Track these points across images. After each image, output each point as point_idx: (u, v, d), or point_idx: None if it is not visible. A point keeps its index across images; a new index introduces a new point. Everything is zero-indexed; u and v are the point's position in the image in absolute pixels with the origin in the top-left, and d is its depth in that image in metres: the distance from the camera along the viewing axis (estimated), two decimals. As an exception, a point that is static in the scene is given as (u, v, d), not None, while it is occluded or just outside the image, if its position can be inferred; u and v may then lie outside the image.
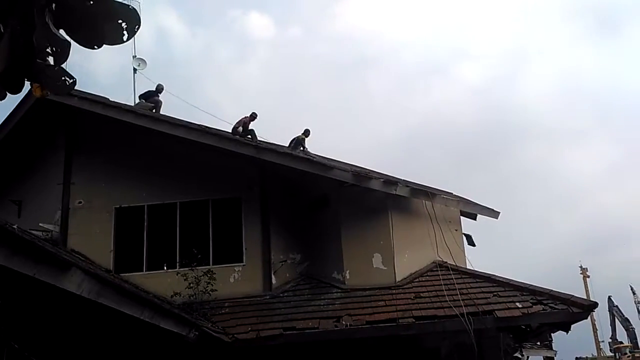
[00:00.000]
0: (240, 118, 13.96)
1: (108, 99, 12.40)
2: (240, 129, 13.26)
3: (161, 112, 14.32)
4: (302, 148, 13.23)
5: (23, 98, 11.56)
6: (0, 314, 2.71)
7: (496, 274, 10.94)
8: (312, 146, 14.27)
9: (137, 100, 14.65)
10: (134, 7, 2.22)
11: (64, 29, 2.16)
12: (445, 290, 10.08)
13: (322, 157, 13.42)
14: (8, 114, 11.64)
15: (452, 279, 10.60)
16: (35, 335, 5.92)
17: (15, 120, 11.74)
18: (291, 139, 13.66)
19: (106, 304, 6.42)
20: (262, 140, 13.65)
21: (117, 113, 11.94)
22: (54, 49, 2.24)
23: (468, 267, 11.86)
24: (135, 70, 15.92)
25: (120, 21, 2.22)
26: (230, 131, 13.00)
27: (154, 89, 14.78)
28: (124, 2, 2.21)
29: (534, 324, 9.70)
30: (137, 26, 2.25)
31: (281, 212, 11.95)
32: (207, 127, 12.65)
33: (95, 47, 2.24)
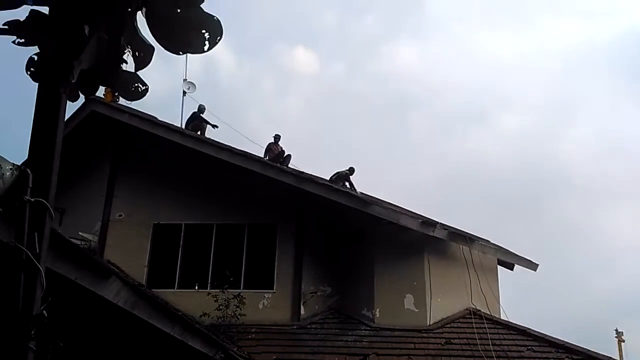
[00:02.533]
0: (268, 144, 14.29)
1: (157, 118, 12.72)
2: (268, 156, 13.54)
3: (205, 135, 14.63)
4: (343, 184, 13.28)
5: (78, 108, 11.95)
6: (49, 313, 2.76)
7: (531, 327, 10.62)
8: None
9: (184, 124, 14.98)
10: (219, 18, 2.28)
11: (152, 34, 2.23)
12: (478, 339, 9.81)
13: (360, 193, 13.41)
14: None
15: (485, 328, 10.33)
16: (74, 337, 5.98)
17: (68, 130, 12.08)
18: (333, 173, 13.75)
19: (139, 316, 6.44)
20: (296, 169, 13.79)
21: (165, 132, 12.22)
22: (137, 53, 2.32)
23: (502, 318, 11.54)
24: (184, 92, 16.36)
25: (203, 31, 2.29)
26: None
27: (197, 110, 15.15)
28: (209, 13, 2.28)
29: (568, 384, 9.32)
30: (219, 37, 2.32)
31: (316, 243, 11.92)
32: (249, 153, 12.83)
33: (180, 52, 2.31)
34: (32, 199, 2.86)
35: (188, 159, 12.31)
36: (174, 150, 12.22)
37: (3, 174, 2.86)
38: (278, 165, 12.82)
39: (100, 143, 12.85)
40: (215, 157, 11.98)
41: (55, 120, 2.95)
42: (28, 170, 2.90)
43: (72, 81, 2.36)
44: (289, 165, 13.79)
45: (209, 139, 13.45)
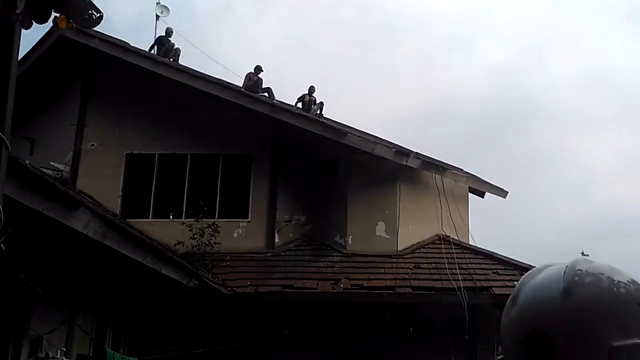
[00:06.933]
0: (247, 73, 13.99)
1: (128, 44, 12.37)
2: (251, 83, 13.33)
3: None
4: (320, 112, 13.27)
5: (45, 34, 11.57)
6: (9, 244, 2.78)
7: (497, 252, 11.01)
8: (328, 112, 14.29)
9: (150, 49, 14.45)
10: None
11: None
12: (446, 263, 10.16)
13: (335, 121, 13.41)
14: (29, 48, 11.63)
15: (453, 253, 10.66)
16: (40, 269, 6.07)
17: (36, 56, 11.75)
18: (297, 97, 13.78)
19: (111, 246, 6.54)
20: (277, 100, 13.66)
21: (137, 58, 11.93)
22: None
23: (470, 243, 11.93)
24: (157, 17, 15.79)
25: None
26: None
27: (164, 34, 14.61)
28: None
29: (530, 305, 9.77)
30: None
31: (290, 172, 12.00)
32: (224, 81, 12.63)
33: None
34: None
35: (161, 87, 12.10)
36: (147, 78, 11.99)
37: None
38: (253, 94, 12.68)
39: (70, 70, 12.53)
40: (189, 85, 11.79)
41: (9, 48, 2.86)
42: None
43: (18, 11, 2.29)
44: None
45: (183, 66, 13.15)
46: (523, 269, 10.19)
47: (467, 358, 9.95)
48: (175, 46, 14.25)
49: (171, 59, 13.88)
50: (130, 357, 7.86)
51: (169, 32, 14.54)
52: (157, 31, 15.53)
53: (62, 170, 11.04)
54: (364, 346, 10.01)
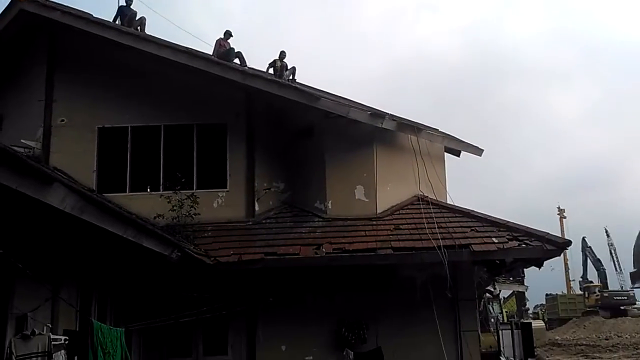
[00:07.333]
0: (217, 40, 13.71)
1: (92, 15, 12.00)
2: (221, 51, 13.11)
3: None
4: (292, 77, 13.14)
5: (4, 9, 11.20)
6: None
7: (475, 210, 11.17)
8: (300, 77, 14.17)
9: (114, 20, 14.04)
10: None
11: None
12: (425, 223, 10.28)
13: (309, 86, 13.31)
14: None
15: (431, 212, 10.79)
16: (21, 247, 5.99)
17: (-4, 32, 11.35)
18: (269, 63, 13.63)
19: (89, 221, 6.46)
20: (248, 66, 13.46)
21: (101, 30, 11.59)
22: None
23: (448, 202, 12.07)
24: (120, -16, 15.28)
25: None
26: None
27: (124, 4, 14.18)
28: None
29: (509, 259, 9.98)
30: None
31: (266, 140, 11.92)
32: (193, 49, 12.37)
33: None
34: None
35: (129, 58, 11.81)
36: (114, 49, 11.67)
37: None
38: (223, 62, 12.46)
39: (34, 45, 12.14)
40: (157, 55, 11.53)
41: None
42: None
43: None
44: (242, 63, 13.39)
45: (150, 35, 12.83)
46: (500, 225, 10.40)
47: (449, 313, 10.20)
48: (139, 15, 13.89)
49: (138, 28, 13.54)
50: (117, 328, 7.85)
51: (128, 0, 14.14)
52: (120, 1, 15.09)
53: (34, 148, 10.80)
54: (348, 308, 10.18)
